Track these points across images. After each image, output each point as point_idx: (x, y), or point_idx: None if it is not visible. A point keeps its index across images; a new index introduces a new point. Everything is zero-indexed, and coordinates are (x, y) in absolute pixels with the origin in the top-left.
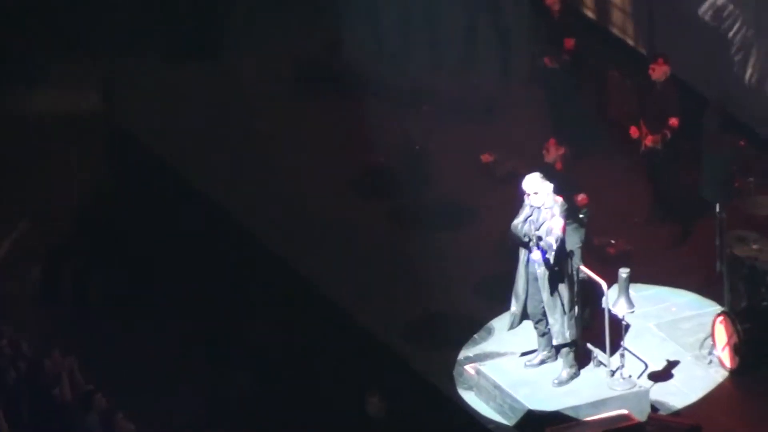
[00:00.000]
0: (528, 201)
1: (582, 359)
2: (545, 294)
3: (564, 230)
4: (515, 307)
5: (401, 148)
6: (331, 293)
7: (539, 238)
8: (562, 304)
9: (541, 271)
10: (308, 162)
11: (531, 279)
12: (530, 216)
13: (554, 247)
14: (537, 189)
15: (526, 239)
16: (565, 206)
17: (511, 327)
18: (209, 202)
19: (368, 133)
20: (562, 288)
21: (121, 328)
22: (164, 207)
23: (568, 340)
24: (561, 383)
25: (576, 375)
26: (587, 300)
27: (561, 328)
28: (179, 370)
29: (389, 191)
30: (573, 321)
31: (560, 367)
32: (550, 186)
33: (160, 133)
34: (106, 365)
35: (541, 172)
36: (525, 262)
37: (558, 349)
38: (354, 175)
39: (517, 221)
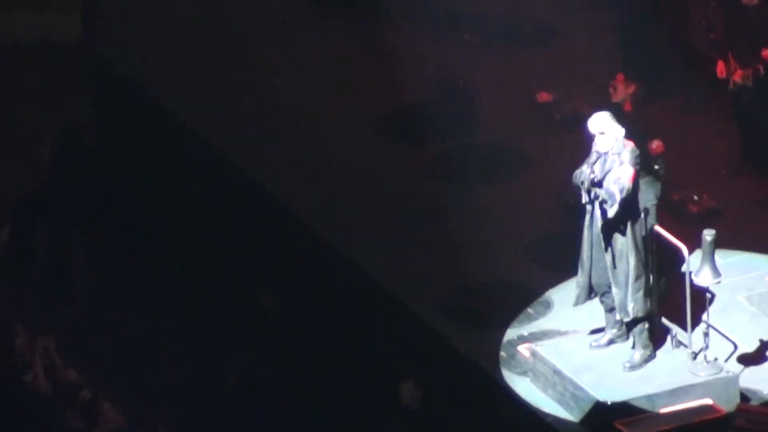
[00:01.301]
0: (594, 145)
1: (659, 339)
2: (608, 259)
3: (634, 180)
4: (581, 276)
5: (439, 85)
6: (357, 260)
7: (595, 184)
8: (627, 272)
9: (603, 231)
10: (326, 101)
11: (595, 242)
12: (595, 163)
13: (618, 198)
14: (604, 129)
15: (586, 188)
16: (637, 152)
17: (577, 302)
18: (208, 149)
19: (399, 65)
20: (629, 252)
21: (105, 302)
22: (154, 153)
23: (632, 316)
24: (633, 367)
25: (651, 357)
26: (664, 268)
27: (624, 301)
28: (174, 353)
29: (425, 136)
30: (643, 293)
31: (632, 348)
32: (620, 128)
33: (148, 64)
34: (88, 347)
35: (609, 111)
36: (589, 221)
37: (629, 326)
38: (382, 118)
39: (580, 169)
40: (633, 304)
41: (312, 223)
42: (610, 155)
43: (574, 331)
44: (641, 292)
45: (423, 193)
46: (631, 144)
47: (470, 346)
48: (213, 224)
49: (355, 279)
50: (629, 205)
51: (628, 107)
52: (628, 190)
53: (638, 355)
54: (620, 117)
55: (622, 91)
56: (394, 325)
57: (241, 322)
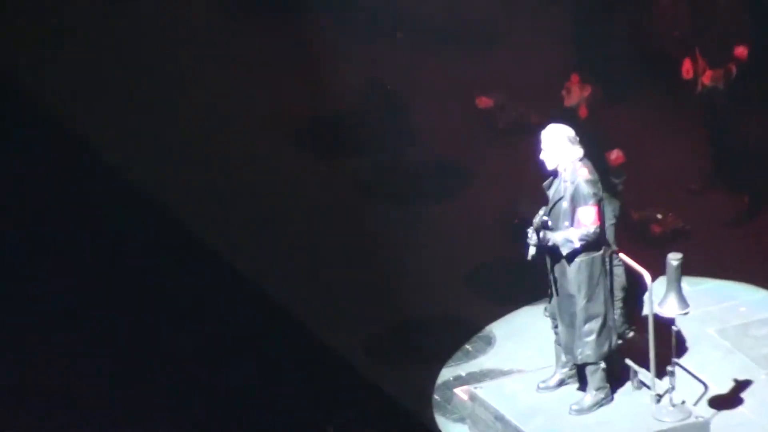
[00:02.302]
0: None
1: (617, 378)
2: (554, 292)
3: (600, 221)
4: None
5: (367, 91)
6: (272, 290)
7: (544, 225)
8: (573, 314)
9: (550, 260)
10: (240, 108)
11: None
12: (551, 185)
13: (577, 245)
14: (547, 143)
15: (534, 228)
16: (595, 181)
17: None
18: (101, 163)
19: (322, 69)
20: (579, 291)
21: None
22: (51, 164)
23: (580, 362)
24: (581, 411)
25: (606, 401)
26: (625, 297)
27: (570, 344)
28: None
29: (352, 149)
30: (596, 336)
31: (581, 389)
32: (574, 149)
33: (42, 71)
34: None
35: (559, 121)
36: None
37: (579, 366)
38: (303, 127)
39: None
40: (581, 349)
41: (221, 251)
42: (562, 181)
43: (520, 371)
44: (593, 336)
45: (349, 215)
46: (586, 171)
47: (401, 389)
48: (114, 245)
49: (273, 315)
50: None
51: (583, 112)
52: (591, 235)
53: (589, 397)
54: (574, 123)
55: (576, 94)
56: (318, 366)
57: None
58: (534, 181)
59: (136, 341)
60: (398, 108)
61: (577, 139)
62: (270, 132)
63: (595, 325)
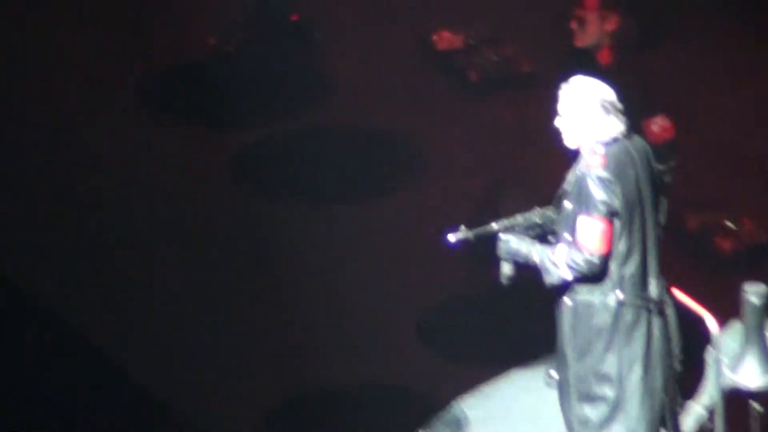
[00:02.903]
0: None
1: None
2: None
3: (606, 248)
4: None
5: (257, 21)
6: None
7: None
8: (565, 373)
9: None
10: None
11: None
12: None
13: (555, 277)
14: (567, 107)
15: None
16: (612, 186)
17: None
18: None
19: None
20: (568, 335)
21: None
22: None
23: None
24: None
25: None
26: (682, 359)
27: (569, 414)
28: None
29: (230, 117)
30: (603, 419)
31: None
32: (602, 115)
33: None
34: None
35: (575, 70)
36: None
37: None
38: (149, 78)
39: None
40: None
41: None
42: (576, 169)
43: None
44: (620, 425)
45: (230, 221)
46: (600, 161)
47: None
48: None
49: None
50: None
51: (604, 56)
52: (586, 266)
53: None
54: (591, 74)
55: (594, 28)
56: None
57: None
58: (524, 165)
59: None
60: (309, 49)
61: (618, 106)
62: (114, 88)
63: (595, 406)
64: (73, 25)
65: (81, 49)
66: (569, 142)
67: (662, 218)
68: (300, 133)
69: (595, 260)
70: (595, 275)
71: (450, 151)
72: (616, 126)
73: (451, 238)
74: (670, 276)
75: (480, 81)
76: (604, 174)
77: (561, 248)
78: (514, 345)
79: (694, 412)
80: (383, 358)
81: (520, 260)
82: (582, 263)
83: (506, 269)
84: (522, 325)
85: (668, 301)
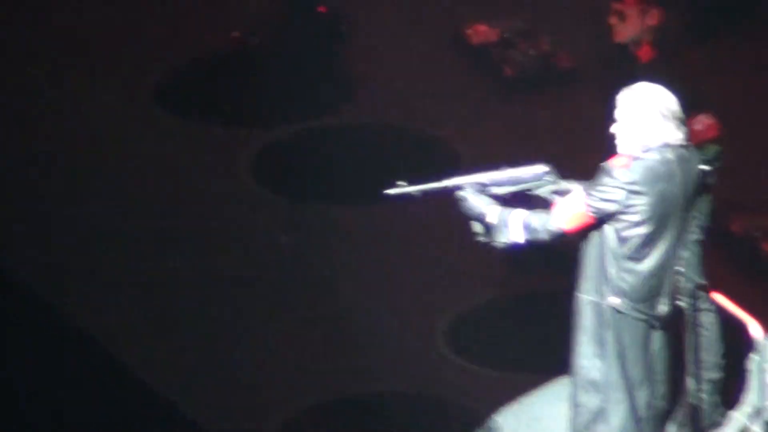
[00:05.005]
0: None
1: None
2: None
3: (573, 232)
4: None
5: (287, 14)
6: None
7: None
8: (574, 379)
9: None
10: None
11: None
12: None
13: (509, 236)
14: (623, 113)
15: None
16: (623, 189)
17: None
18: None
19: None
20: (583, 342)
21: None
22: None
23: None
24: None
25: None
26: (723, 366)
27: (573, 415)
28: None
29: (255, 114)
30: (614, 429)
31: None
32: (660, 122)
33: None
34: None
35: (601, 63)
36: None
37: None
38: (172, 77)
39: None
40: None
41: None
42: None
43: None
44: (578, 419)
45: (250, 225)
46: (623, 162)
47: None
48: None
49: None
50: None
51: (645, 53)
52: (545, 235)
53: None
54: (630, 69)
55: (634, 23)
56: None
57: None
58: (559, 163)
59: None
60: (338, 43)
61: (679, 115)
62: (137, 83)
63: (578, 412)
64: (97, 19)
65: (105, 44)
66: (622, 147)
67: (706, 220)
68: (329, 130)
69: (556, 233)
70: (545, 245)
71: (484, 148)
72: (672, 134)
73: (390, 191)
74: (713, 280)
75: (516, 76)
76: (627, 176)
77: (520, 212)
78: (546, 351)
79: (735, 421)
80: (412, 365)
81: (477, 217)
82: (541, 228)
83: (476, 227)
84: (555, 330)
85: (709, 306)
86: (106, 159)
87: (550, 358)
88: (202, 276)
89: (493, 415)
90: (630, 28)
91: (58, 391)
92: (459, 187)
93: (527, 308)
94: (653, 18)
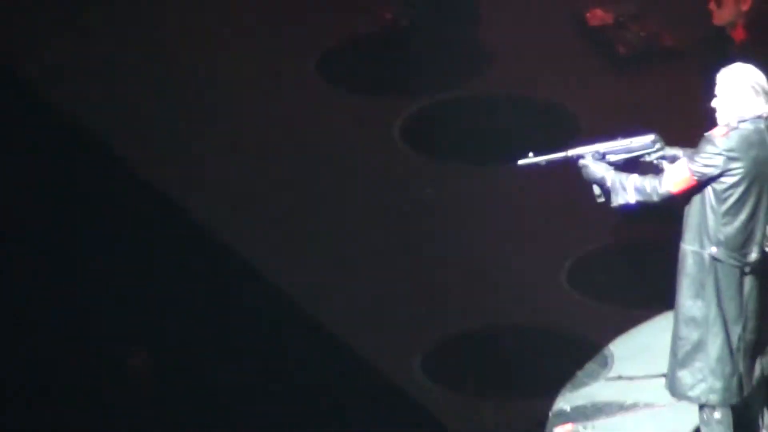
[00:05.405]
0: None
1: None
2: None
3: (680, 193)
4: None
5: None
6: (308, 302)
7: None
8: (676, 316)
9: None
10: (262, 28)
11: None
12: None
13: (627, 198)
14: (722, 91)
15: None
16: (722, 155)
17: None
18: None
19: None
20: (685, 285)
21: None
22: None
23: (673, 395)
24: None
25: None
26: None
27: (670, 367)
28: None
29: (399, 85)
30: (711, 360)
31: None
32: (752, 96)
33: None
34: None
35: (699, 44)
36: None
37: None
38: (329, 53)
39: None
40: (677, 378)
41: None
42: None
43: (648, 405)
44: (700, 363)
45: (397, 173)
46: (722, 132)
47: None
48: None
49: (314, 337)
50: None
51: (739, 33)
52: (656, 198)
53: None
54: (728, 50)
55: (730, 6)
56: (372, 396)
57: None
58: (666, 136)
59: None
60: (470, 22)
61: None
62: (297, 58)
63: (681, 345)
64: (257, 2)
65: (263, 25)
66: (720, 119)
67: None
68: (464, 100)
69: (664, 195)
70: (655, 207)
71: (600, 119)
72: (763, 107)
73: (520, 162)
74: None
75: (628, 55)
76: (725, 143)
77: (634, 176)
78: (654, 291)
79: None
80: (539, 301)
81: (597, 182)
82: (651, 192)
83: (595, 190)
84: (662, 273)
85: None
86: (269, 130)
87: (658, 297)
88: (362, 230)
89: (607, 345)
90: (726, 12)
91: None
92: (581, 156)
93: (638, 253)
94: (746, 4)
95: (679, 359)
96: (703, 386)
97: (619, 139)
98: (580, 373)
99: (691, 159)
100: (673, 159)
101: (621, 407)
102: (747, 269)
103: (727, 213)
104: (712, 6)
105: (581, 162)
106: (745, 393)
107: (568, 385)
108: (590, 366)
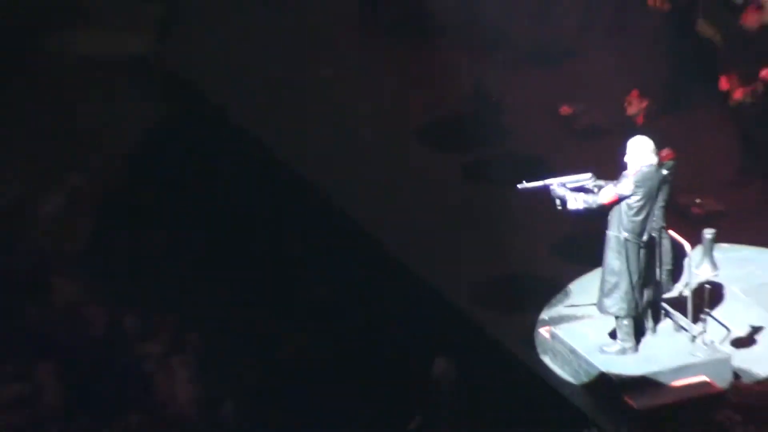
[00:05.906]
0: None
1: (662, 323)
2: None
3: (609, 204)
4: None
5: (475, 97)
6: (398, 253)
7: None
8: (603, 270)
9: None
10: (374, 111)
11: None
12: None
13: (576, 204)
14: (631, 151)
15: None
16: (640, 183)
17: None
18: (267, 152)
19: (439, 80)
20: (608, 251)
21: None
22: (221, 158)
23: (602, 313)
24: (603, 352)
25: (629, 351)
26: (672, 263)
27: (599, 296)
28: (235, 321)
29: (461, 143)
30: (620, 294)
31: (614, 336)
32: (648, 154)
33: (216, 78)
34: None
35: (622, 125)
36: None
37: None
38: (423, 126)
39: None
40: (603, 302)
41: (357, 218)
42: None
43: (589, 317)
44: (616, 294)
45: (458, 194)
46: (634, 171)
47: (501, 329)
48: (270, 222)
49: (397, 270)
50: (615, 214)
51: (640, 120)
52: (593, 206)
53: (615, 346)
54: (633, 128)
55: (636, 106)
56: (432, 309)
57: (295, 309)
58: (601, 170)
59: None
60: (497, 112)
61: (655, 150)
62: (399, 128)
63: (613, 284)
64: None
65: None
66: (630, 167)
67: (666, 198)
68: (494, 155)
69: (600, 205)
70: (594, 211)
71: (567, 163)
72: (653, 158)
73: (519, 186)
74: (670, 226)
75: (580, 130)
76: (639, 177)
77: (582, 194)
78: (595, 256)
79: (676, 289)
80: (535, 261)
81: (559, 197)
82: (592, 203)
83: (557, 202)
84: (600, 245)
85: (666, 236)
86: (383, 170)
87: (598, 260)
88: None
89: (568, 284)
90: (634, 107)
91: None
92: (550, 184)
93: (589, 237)
94: (644, 103)
95: (605, 292)
96: (617, 306)
97: (573, 174)
98: (554, 300)
99: (615, 185)
100: (600, 187)
101: (575, 318)
102: (642, 245)
103: (633, 215)
104: (627, 104)
105: (552, 187)
106: (640, 310)
107: (546, 306)
108: (559, 296)
